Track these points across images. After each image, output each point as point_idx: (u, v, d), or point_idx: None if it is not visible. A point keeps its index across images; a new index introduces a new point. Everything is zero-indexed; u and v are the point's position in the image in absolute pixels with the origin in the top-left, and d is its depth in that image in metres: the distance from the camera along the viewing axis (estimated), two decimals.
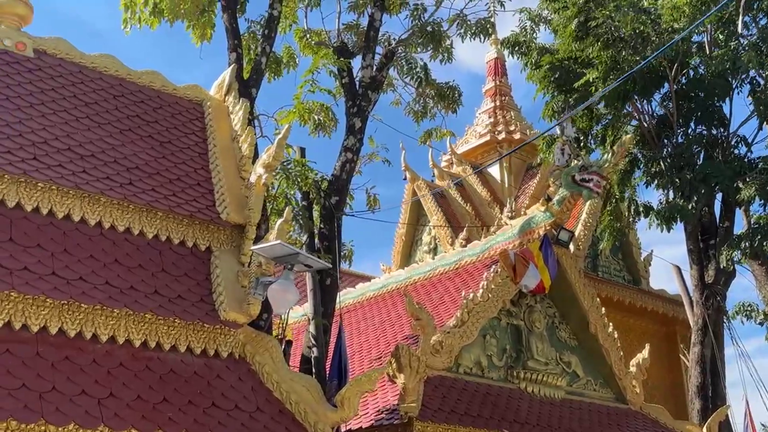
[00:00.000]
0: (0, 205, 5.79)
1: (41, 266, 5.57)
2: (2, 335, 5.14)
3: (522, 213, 18.64)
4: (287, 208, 7.18)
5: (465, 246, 15.59)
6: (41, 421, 4.73)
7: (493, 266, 10.05)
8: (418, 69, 10.62)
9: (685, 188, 11.70)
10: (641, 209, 13.45)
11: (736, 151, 12.97)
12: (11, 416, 4.64)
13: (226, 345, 6.21)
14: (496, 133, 22.17)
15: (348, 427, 8.00)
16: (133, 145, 7.06)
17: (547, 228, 10.28)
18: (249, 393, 5.98)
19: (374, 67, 9.84)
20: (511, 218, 18.53)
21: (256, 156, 7.75)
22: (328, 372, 8.07)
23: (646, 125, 13.43)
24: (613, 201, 14.18)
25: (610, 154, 10.89)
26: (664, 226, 12.06)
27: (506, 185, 21.32)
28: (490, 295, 9.47)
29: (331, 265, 7.86)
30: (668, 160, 12.90)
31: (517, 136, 21.85)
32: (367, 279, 15.53)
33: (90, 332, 5.52)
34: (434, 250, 20.10)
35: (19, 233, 5.69)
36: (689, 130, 13.38)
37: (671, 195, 12.30)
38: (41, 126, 6.51)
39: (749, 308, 14.07)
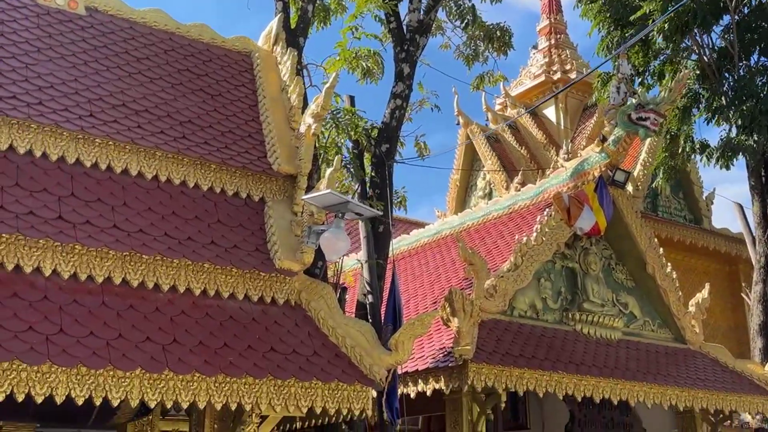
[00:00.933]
0: (60, 161, 6.01)
1: (102, 220, 5.79)
2: (69, 286, 5.38)
3: (578, 154, 18.33)
4: (337, 157, 7.25)
5: (520, 190, 15.48)
6: (109, 367, 4.92)
7: (547, 209, 9.96)
8: (466, 10, 10.39)
9: (746, 122, 11.24)
10: (697, 146, 13.05)
11: None
12: (81, 362, 4.85)
13: (282, 292, 6.37)
14: (551, 73, 21.66)
15: (404, 370, 8.18)
16: (184, 99, 7.20)
17: (603, 169, 10.09)
18: (306, 338, 6.14)
19: (421, 11, 9.68)
20: (567, 160, 18.24)
21: (305, 106, 7.80)
22: (383, 317, 8.21)
23: (706, 59, 12.89)
24: (669, 138, 13.77)
25: (667, 91, 10.52)
26: (723, 163, 11.68)
27: (562, 126, 20.91)
28: (543, 239, 9.41)
29: (381, 213, 7.92)
30: (730, 95, 12.40)
31: (572, 75, 21.30)
32: (422, 225, 15.60)
33: (152, 282, 5.74)
34: (489, 195, 19.97)
35: (80, 188, 5.92)
36: (752, 63, 12.83)
37: (733, 131, 11.85)
38: (95, 83, 6.68)
39: None
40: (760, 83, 11.96)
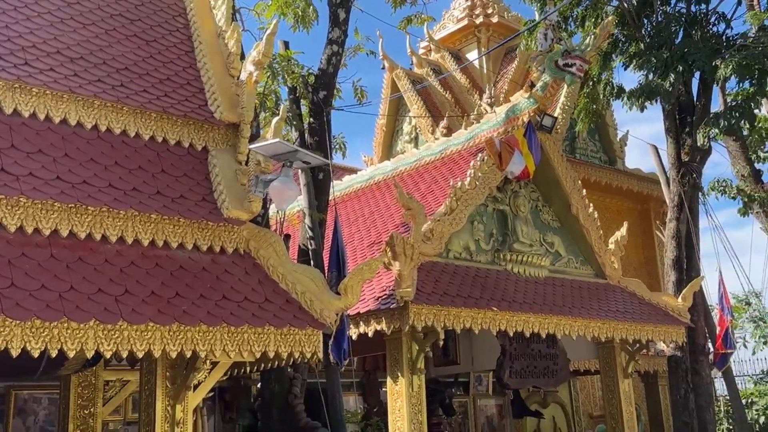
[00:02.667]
0: None
1: (46, 171, 5.65)
2: (16, 239, 5.28)
3: (501, 99, 18.73)
4: (282, 106, 7.23)
5: (446, 134, 15.76)
6: (64, 319, 4.89)
7: (479, 154, 10.26)
8: None
9: (661, 67, 11.78)
10: (615, 90, 13.59)
11: (714, 29, 12.99)
12: (35, 315, 4.80)
13: (230, 241, 6.41)
14: (473, 17, 21.84)
15: (347, 314, 8.41)
16: (120, 46, 6.98)
17: (531, 114, 10.44)
18: (256, 285, 6.23)
19: None
20: (490, 104, 18.63)
21: (242, 52, 7.70)
22: (326, 263, 8.38)
23: (626, 5, 13.34)
24: (590, 83, 14.26)
25: (592, 37, 10.89)
26: (639, 106, 12.24)
27: (485, 71, 21.24)
28: (477, 183, 9.73)
29: (328, 161, 8.00)
30: (647, 40, 12.91)
31: (495, 19, 21.57)
32: (351, 171, 15.72)
33: (99, 233, 5.68)
34: (415, 140, 20.24)
35: (20, 139, 5.73)
36: (669, 9, 13.34)
37: (650, 76, 12.39)
38: (28, 29, 6.39)
39: (724, 184, 14.57)
40: (675, 30, 12.49)
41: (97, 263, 5.52)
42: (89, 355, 5.07)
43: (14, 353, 4.66)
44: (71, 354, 4.93)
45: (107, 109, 6.35)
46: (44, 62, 6.19)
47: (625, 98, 12.83)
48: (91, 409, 7.32)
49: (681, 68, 11.89)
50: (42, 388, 8.84)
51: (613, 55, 13.76)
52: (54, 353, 4.83)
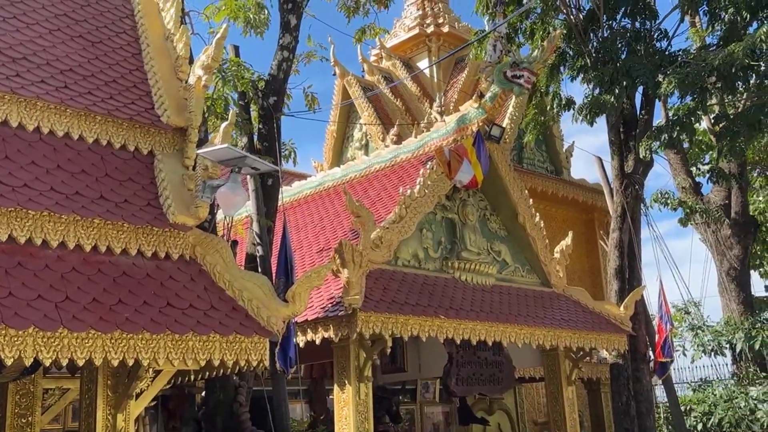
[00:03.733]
0: None
1: None
2: None
3: (451, 108, 18.93)
4: (231, 111, 7.15)
5: (396, 142, 15.85)
6: (1, 326, 4.75)
7: (429, 163, 10.34)
8: None
9: (607, 82, 12.09)
10: (564, 103, 13.89)
11: (658, 45, 13.39)
12: None
13: (176, 247, 6.31)
14: (424, 26, 22.01)
15: (294, 321, 8.36)
16: (64, 46, 6.82)
17: (480, 124, 10.58)
18: (202, 292, 6.15)
19: None
20: (440, 113, 18.81)
21: (190, 56, 7.61)
22: (274, 269, 8.31)
23: (573, 19, 13.65)
24: (538, 95, 14.54)
25: (540, 50, 11.11)
26: (588, 120, 12.53)
27: (435, 80, 21.42)
28: (426, 191, 9.81)
29: (277, 168, 7.95)
30: (594, 55, 13.23)
31: (445, 29, 21.79)
32: (302, 177, 15.66)
33: (40, 238, 5.53)
34: (366, 147, 20.28)
35: None
36: (614, 24, 13.70)
37: (596, 90, 12.70)
38: None
39: (666, 196, 15.00)
40: (620, 45, 12.83)
41: (37, 269, 5.38)
42: (28, 363, 4.92)
43: None
44: (9, 362, 4.79)
45: (50, 111, 6.19)
46: None
47: (575, 112, 13.10)
48: (30, 418, 7.08)
49: (625, 83, 12.22)
50: None
51: (561, 68, 14.06)
52: None
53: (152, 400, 8.01)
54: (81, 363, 5.09)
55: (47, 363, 5.05)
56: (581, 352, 11.18)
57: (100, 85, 6.77)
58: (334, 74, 20.56)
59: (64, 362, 5.08)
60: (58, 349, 4.94)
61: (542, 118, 14.84)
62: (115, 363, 5.21)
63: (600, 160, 15.07)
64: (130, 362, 5.30)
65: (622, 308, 11.65)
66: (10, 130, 5.92)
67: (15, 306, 4.95)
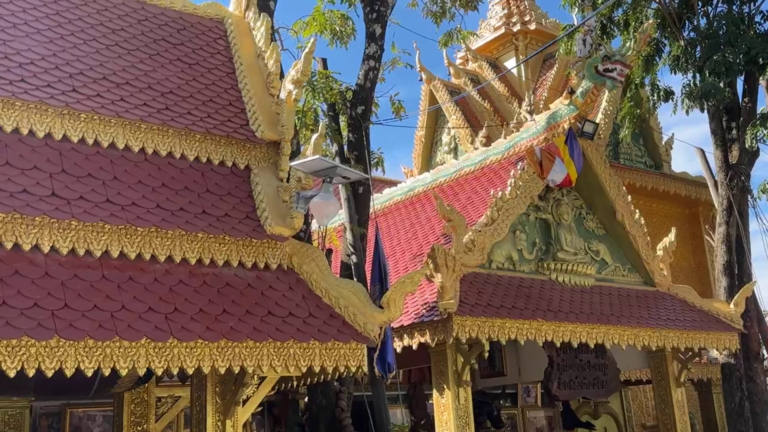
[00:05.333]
0: (48, 138, 6.00)
1: (95, 194, 5.82)
2: (69, 261, 5.44)
3: (541, 106, 18.61)
4: (321, 123, 7.32)
5: (485, 144, 15.73)
6: (116, 338, 5.01)
7: (519, 163, 10.21)
8: None
9: (712, 68, 11.53)
10: (662, 93, 13.38)
11: (761, 28, 12.73)
12: (88, 335, 4.93)
13: (274, 257, 6.50)
14: (510, 24, 21.74)
15: (391, 327, 8.43)
16: (163, 70, 7.17)
17: (572, 121, 10.36)
18: (300, 301, 6.30)
19: None
20: (530, 112, 18.52)
21: (281, 71, 7.84)
22: (368, 276, 8.42)
23: (666, 7, 13.16)
24: (633, 88, 14.07)
25: (632, 42, 10.76)
26: (696, 107, 12.00)
27: (523, 79, 21.12)
28: (518, 192, 9.68)
29: (367, 176, 8.06)
30: (696, 43, 12.70)
31: (532, 26, 21.45)
32: (392, 183, 15.79)
33: (149, 253, 5.82)
34: (454, 150, 20.22)
35: (70, 164, 5.92)
36: (710, 9, 13.13)
37: (697, 77, 12.17)
38: (74, 57, 6.62)
39: None
40: (720, 31, 12.26)
41: (147, 282, 5.66)
42: (141, 372, 5.18)
43: (68, 373, 4.80)
44: (123, 372, 5.06)
45: (153, 132, 6.52)
46: (91, 88, 6.40)
47: (683, 100, 12.57)
48: (144, 426, 7.47)
49: (742, 65, 11.62)
50: (96, 405, 9.06)
51: (656, 58, 13.56)
52: (107, 372, 4.96)
53: (258, 406, 8.26)
54: (190, 371, 5.32)
55: (159, 372, 5.30)
56: (690, 353, 10.73)
57: (198, 104, 7.07)
58: (421, 79, 20.62)
59: (175, 371, 5.32)
60: (169, 359, 5.17)
61: (638, 111, 14.34)
62: (222, 370, 5.41)
63: (702, 151, 14.43)
64: (236, 369, 5.49)
65: (731, 305, 11.11)
66: (117, 152, 6.27)
67: (128, 319, 5.23)
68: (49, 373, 4.74)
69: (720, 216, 13.04)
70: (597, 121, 10.86)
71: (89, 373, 4.88)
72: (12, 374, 4.61)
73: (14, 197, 5.39)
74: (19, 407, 7.63)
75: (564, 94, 10.68)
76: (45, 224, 5.39)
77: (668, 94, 13.24)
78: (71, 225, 5.50)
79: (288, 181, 6.91)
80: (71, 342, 4.81)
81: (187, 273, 5.93)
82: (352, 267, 8.60)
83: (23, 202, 5.38)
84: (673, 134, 20.45)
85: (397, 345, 8.59)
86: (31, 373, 4.69)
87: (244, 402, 6.31)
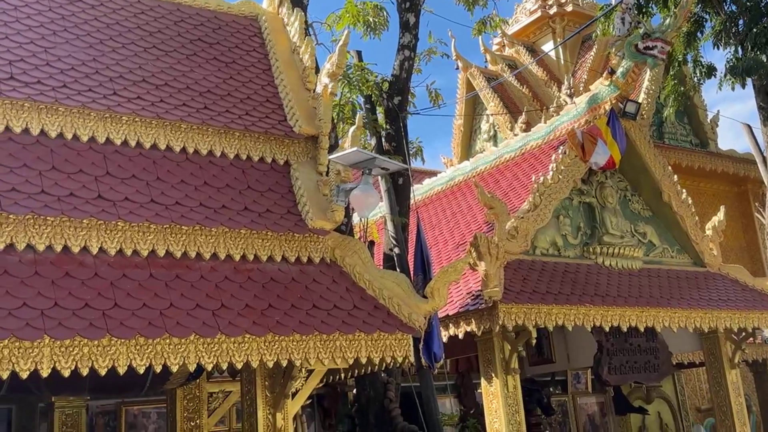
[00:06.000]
0: (91, 142, 6.12)
1: (140, 195, 5.93)
2: (117, 262, 5.55)
3: (581, 89, 18.30)
4: (358, 114, 7.33)
5: (525, 130, 15.53)
6: (165, 335, 5.08)
7: (560, 147, 10.06)
8: None
9: (757, 40, 11.16)
10: (705, 70, 13.03)
11: None
12: (138, 333, 5.01)
13: (317, 251, 6.53)
14: (546, 7, 21.44)
15: (437, 316, 8.40)
16: (201, 69, 7.26)
17: (613, 102, 10.16)
18: (344, 293, 6.32)
19: None
20: (569, 95, 18.23)
21: (316, 66, 7.86)
22: (411, 267, 8.41)
23: None
24: (676, 65, 13.73)
25: (672, 18, 10.50)
26: (739, 82, 11.67)
27: (562, 61, 20.81)
28: (560, 177, 9.54)
29: (406, 166, 8.05)
30: (738, 16, 12.34)
31: (569, 8, 21.12)
32: (432, 173, 15.72)
33: (194, 251, 5.91)
34: (494, 138, 20.04)
35: (114, 166, 6.04)
36: None
37: (740, 52, 11.82)
38: (114, 61, 6.74)
39: None
40: (761, 2, 11.88)
41: (194, 280, 5.74)
42: (191, 368, 5.26)
43: (121, 371, 4.89)
44: (174, 368, 5.14)
45: (193, 131, 6.61)
46: (132, 91, 6.51)
47: (726, 76, 12.24)
48: (197, 421, 7.61)
49: None
50: (150, 403, 9.25)
51: (698, 34, 13.21)
52: (158, 368, 5.05)
53: (308, 398, 8.35)
54: (239, 366, 5.39)
55: (209, 367, 5.38)
56: (743, 333, 10.46)
57: (236, 102, 7.14)
58: (457, 68, 20.49)
59: (224, 366, 5.40)
60: (218, 354, 5.24)
61: (682, 88, 14.00)
62: (270, 364, 5.47)
63: (749, 127, 14.03)
64: (284, 363, 5.54)
65: None
66: (159, 153, 6.38)
67: (176, 316, 5.31)
68: (103, 372, 4.83)
69: None
70: (639, 100, 10.62)
71: (141, 371, 4.97)
72: (66, 374, 4.71)
73: (62, 201, 5.51)
74: (75, 407, 7.81)
75: (604, 75, 10.47)
76: (93, 226, 5.51)
77: (711, 71, 12.89)
78: (118, 226, 5.61)
79: (327, 174, 6.94)
80: (123, 340, 4.90)
81: (231, 269, 6.00)
82: (395, 258, 8.60)
83: (71, 205, 5.51)
84: (718, 111, 20.00)
85: (444, 335, 8.56)
86: (84, 372, 4.79)
87: (294, 395, 6.37)
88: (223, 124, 6.76)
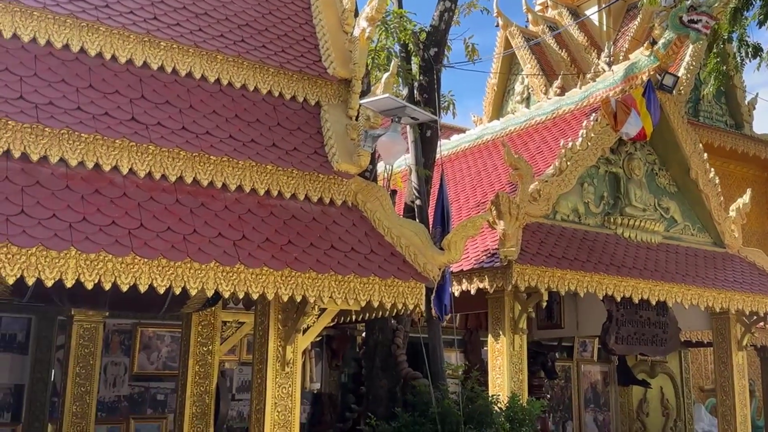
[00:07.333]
0: (129, 64, 6.19)
1: (172, 122, 6.02)
2: (145, 184, 5.67)
3: (621, 58, 17.99)
4: (393, 62, 7.31)
5: (560, 94, 15.37)
6: (187, 260, 5.22)
7: (593, 114, 9.99)
8: None
9: None
10: (751, 50, 12.73)
11: None
12: (162, 255, 5.15)
13: (339, 194, 6.61)
14: None
15: (450, 270, 8.52)
16: (240, 2, 7.26)
17: (651, 73, 10.03)
18: (363, 237, 6.42)
19: None
20: (608, 64, 17.93)
21: (356, 9, 7.81)
22: (431, 219, 8.48)
23: None
24: (720, 43, 13.42)
25: None
26: None
27: (604, 28, 20.42)
28: (589, 144, 9.51)
29: (435, 117, 8.04)
30: None
31: None
32: (460, 130, 15.66)
33: (220, 182, 6.01)
34: (527, 100, 19.84)
35: (149, 91, 6.12)
36: None
37: None
38: None
39: None
40: None
41: (218, 209, 5.86)
42: (209, 294, 5.41)
43: (142, 289, 5.05)
44: (193, 292, 5.30)
45: (229, 63, 6.65)
46: (171, 17, 6.54)
47: (762, 59, 11.97)
48: (210, 347, 7.83)
49: None
50: (165, 326, 9.52)
51: (746, 12, 12.87)
52: (178, 291, 5.21)
53: (318, 337, 8.53)
54: (255, 296, 5.54)
55: (226, 295, 5.54)
56: (755, 317, 10.49)
57: (273, 39, 7.15)
58: (497, 25, 20.17)
59: (241, 295, 5.55)
60: (236, 283, 5.38)
61: (724, 67, 13.70)
62: (285, 298, 5.61)
63: None
64: (298, 299, 5.68)
65: None
66: (193, 82, 6.44)
67: (199, 242, 5.45)
68: (124, 288, 4.99)
69: None
70: (678, 74, 10.46)
71: (161, 291, 5.13)
72: (90, 286, 4.88)
73: (96, 119, 5.62)
74: (93, 322, 8.06)
75: (645, 45, 10.31)
76: (125, 147, 5.61)
77: (757, 51, 12.55)
78: (149, 149, 5.71)
79: (357, 119, 6.97)
80: (146, 260, 5.04)
81: (255, 203, 6.11)
82: (415, 210, 8.66)
83: (105, 124, 5.61)
84: (757, 94, 19.57)
85: (456, 289, 8.69)
86: (107, 286, 4.96)
87: (305, 331, 6.53)
88: (259, 59, 6.79)
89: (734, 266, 10.49)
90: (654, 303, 9.17)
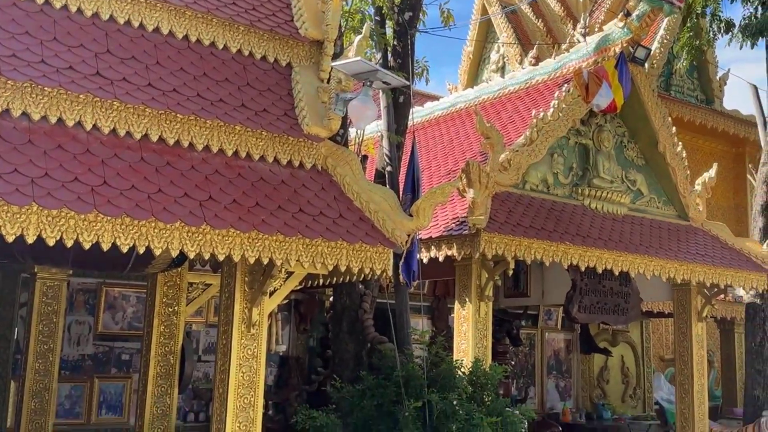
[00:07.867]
0: (95, 17, 6.04)
1: (138, 78, 5.90)
2: (109, 141, 5.57)
3: (596, 29, 17.98)
4: (366, 25, 7.22)
5: (534, 64, 15.35)
6: (151, 219, 5.14)
7: (565, 85, 10.01)
8: None
9: None
10: (723, 25, 12.84)
11: None
12: (125, 213, 5.06)
13: (309, 157, 6.57)
14: None
15: (419, 236, 8.55)
16: None
17: (624, 45, 10.05)
18: (332, 201, 6.40)
19: None
20: (583, 35, 17.93)
21: None
22: (401, 186, 8.48)
23: None
24: (694, 17, 13.50)
25: None
26: (749, 42, 11.53)
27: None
28: (560, 114, 9.54)
29: (408, 82, 7.99)
30: None
31: None
32: (435, 98, 15.60)
33: (187, 141, 5.92)
34: (502, 69, 19.80)
35: (115, 45, 5.99)
36: None
37: (759, 10, 11.63)
38: None
39: None
40: None
41: (184, 169, 5.78)
42: (174, 254, 5.35)
43: (105, 247, 4.98)
44: (157, 252, 5.24)
45: (197, 20, 6.52)
46: None
47: (737, 34, 12.07)
48: (175, 308, 7.80)
49: None
50: (131, 287, 9.46)
51: None
52: (141, 250, 5.14)
53: (285, 300, 8.55)
54: (221, 258, 5.50)
55: (191, 256, 5.49)
56: (715, 289, 10.72)
57: None
58: None
59: (206, 256, 5.51)
60: (201, 244, 5.33)
61: (697, 41, 13.80)
62: (252, 261, 5.58)
63: (755, 88, 13.94)
64: (265, 261, 5.66)
65: (765, 246, 11.00)
66: (161, 37, 6.31)
67: (164, 201, 5.37)
68: (87, 246, 4.91)
69: (765, 155, 12.74)
70: (651, 47, 10.49)
71: (124, 250, 5.06)
72: (51, 242, 4.79)
73: (60, 73, 5.49)
74: (57, 280, 7.96)
75: (619, 17, 10.31)
76: (88, 102, 5.49)
77: (729, 26, 12.71)
78: (113, 105, 5.60)
79: (328, 82, 6.90)
80: (109, 218, 4.96)
81: (223, 163, 6.04)
82: (386, 176, 8.65)
83: (69, 78, 5.48)
84: (728, 70, 19.70)
85: (424, 256, 8.73)
86: (69, 243, 4.87)
87: (271, 293, 6.54)
88: (229, 16, 6.67)
89: (697, 239, 10.68)
90: (617, 273, 9.30)
